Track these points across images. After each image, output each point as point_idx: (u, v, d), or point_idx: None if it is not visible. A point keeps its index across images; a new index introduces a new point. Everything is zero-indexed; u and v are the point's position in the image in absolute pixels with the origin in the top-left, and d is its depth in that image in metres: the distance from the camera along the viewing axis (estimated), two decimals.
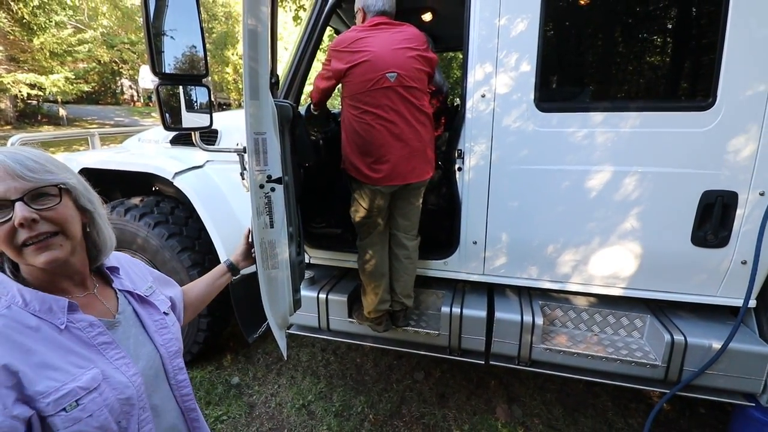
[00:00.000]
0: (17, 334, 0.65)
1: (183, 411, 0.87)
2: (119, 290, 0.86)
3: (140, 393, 0.75)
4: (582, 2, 1.80)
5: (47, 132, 13.03)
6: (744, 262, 1.70)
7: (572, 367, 1.92)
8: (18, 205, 0.66)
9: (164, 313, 0.90)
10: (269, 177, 1.34)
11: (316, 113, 2.19)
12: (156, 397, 0.81)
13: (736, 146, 1.61)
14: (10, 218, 0.66)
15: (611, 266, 1.86)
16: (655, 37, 1.81)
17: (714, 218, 1.68)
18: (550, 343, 1.94)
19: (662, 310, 1.97)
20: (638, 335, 1.97)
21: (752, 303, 1.75)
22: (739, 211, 1.66)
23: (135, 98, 29.20)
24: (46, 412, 0.63)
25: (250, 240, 1.37)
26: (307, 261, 2.34)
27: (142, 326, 0.85)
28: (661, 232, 1.76)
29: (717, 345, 1.71)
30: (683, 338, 1.75)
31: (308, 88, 2.23)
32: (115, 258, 0.91)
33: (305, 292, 2.19)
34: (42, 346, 0.67)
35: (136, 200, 2.44)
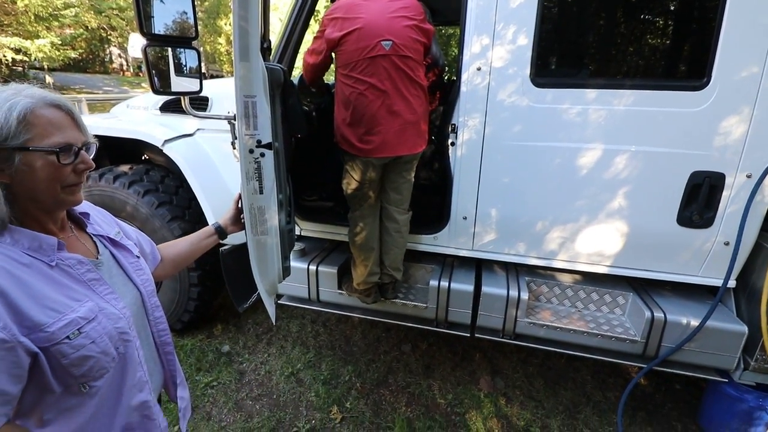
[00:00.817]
0: (14, 269, 0.68)
1: (158, 345, 0.96)
2: (94, 235, 0.89)
3: (130, 324, 0.82)
4: None
5: None
6: (727, 243, 1.74)
7: (555, 341, 1.97)
8: (84, 153, 0.75)
9: (136, 256, 0.96)
10: (259, 142, 1.33)
11: (313, 90, 2.14)
12: (137, 331, 0.86)
13: (727, 127, 1.62)
14: (72, 162, 0.73)
15: (597, 244, 1.88)
16: (655, 16, 1.78)
17: (700, 199, 1.70)
18: (534, 317, 1.99)
19: (644, 288, 2.02)
20: (620, 312, 2.03)
21: (732, 283, 1.79)
22: (725, 193, 1.68)
23: (124, 67, 28.28)
24: (51, 341, 0.67)
25: (239, 205, 1.37)
26: (298, 233, 2.34)
27: (121, 267, 0.90)
28: (648, 211, 1.78)
29: (695, 322, 1.77)
30: (663, 315, 1.80)
31: (301, 65, 2.17)
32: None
33: (296, 264, 2.21)
34: (37, 280, 0.70)
35: (125, 167, 2.40)
